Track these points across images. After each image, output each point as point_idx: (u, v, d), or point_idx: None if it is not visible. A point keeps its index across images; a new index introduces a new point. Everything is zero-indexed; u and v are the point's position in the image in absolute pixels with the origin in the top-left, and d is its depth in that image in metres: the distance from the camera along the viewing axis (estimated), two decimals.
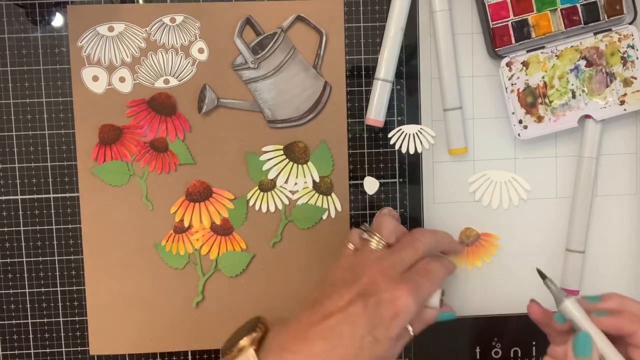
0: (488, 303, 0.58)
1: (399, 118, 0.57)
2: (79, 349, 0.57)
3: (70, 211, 0.56)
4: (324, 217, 0.57)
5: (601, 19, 0.55)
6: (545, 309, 0.49)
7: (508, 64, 0.55)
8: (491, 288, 0.58)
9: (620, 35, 0.55)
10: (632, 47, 0.55)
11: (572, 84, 0.56)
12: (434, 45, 0.56)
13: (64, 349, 0.57)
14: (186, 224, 0.56)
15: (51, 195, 0.56)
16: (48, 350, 0.57)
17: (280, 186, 0.57)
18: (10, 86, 0.55)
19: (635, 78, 0.56)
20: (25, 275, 0.56)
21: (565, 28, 0.55)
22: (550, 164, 0.58)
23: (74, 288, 0.57)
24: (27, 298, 0.57)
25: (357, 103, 0.57)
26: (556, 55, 0.55)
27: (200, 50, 0.56)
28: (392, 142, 0.57)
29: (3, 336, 0.57)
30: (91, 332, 0.57)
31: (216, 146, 0.56)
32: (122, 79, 0.55)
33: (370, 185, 0.57)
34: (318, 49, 0.56)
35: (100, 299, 0.56)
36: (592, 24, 0.55)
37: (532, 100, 0.56)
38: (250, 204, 0.57)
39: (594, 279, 0.59)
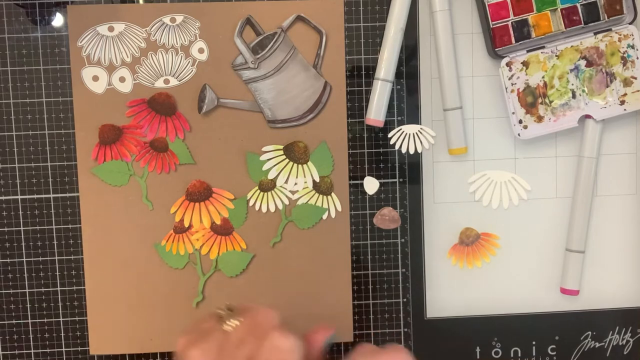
0: (488, 303, 0.58)
1: (399, 118, 0.57)
2: (79, 349, 0.57)
3: (70, 211, 0.56)
4: (324, 217, 0.57)
5: (601, 19, 0.55)
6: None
7: (508, 64, 0.55)
8: (491, 288, 0.58)
9: (620, 35, 0.55)
10: (632, 47, 0.55)
11: (572, 84, 0.56)
12: (434, 45, 0.56)
13: (64, 349, 0.57)
14: (186, 224, 0.56)
15: (51, 195, 0.56)
16: (48, 350, 0.57)
17: (280, 186, 0.57)
18: (10, 86, 0.55)
19: (635, 78, 0.56)
20: (25, 275, 0.56)
21: (565, 28, 0.55)
22: (550, 164, 0.58)
23: (74, 288, 0.57)
24: (27, 298, 0.57)
25: (357, 103, 0.57)
26: (556, 55, 0.55)
27: (200, 50, 0.56)
28: (392, 142, 0.57)
29: (3, 336, 0.57)
30: (91, 332, 0.57)
31: (216, 146, 0.56)
32: (122, 79, 0.55)
33: (370, 185, 0.57)
34: (318, 49, 0.56)
35: (100, 299, 0.56)
36: (592, 24, 0.55)
37: (532, 100, 0.56)
38: (250, 204, 0.57)
39: (594, 279, 0.59)
